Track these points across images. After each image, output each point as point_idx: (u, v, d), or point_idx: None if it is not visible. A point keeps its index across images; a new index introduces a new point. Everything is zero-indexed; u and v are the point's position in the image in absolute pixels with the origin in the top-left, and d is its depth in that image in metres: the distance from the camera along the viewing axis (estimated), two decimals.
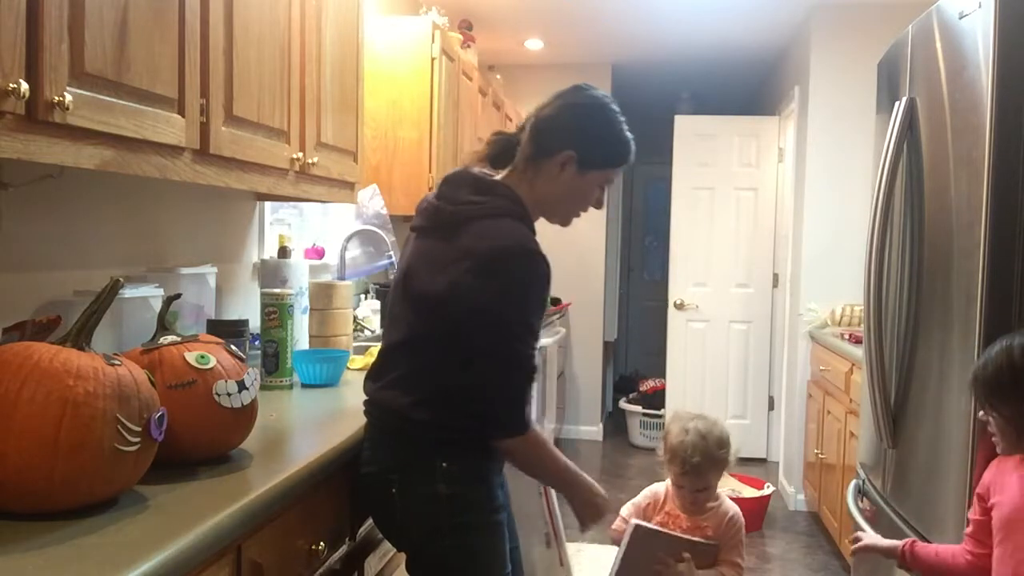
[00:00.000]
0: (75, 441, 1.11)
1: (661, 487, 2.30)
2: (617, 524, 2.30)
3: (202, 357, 1.39)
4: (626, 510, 2.33)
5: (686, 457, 2.13)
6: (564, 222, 1.77)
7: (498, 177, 1.69)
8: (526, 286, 1.55)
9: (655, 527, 2.13)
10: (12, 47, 1.13)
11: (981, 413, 1.62)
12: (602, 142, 1.67)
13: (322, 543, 1.51)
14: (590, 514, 1.75)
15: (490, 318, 1.54)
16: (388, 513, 1.64)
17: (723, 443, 2.18)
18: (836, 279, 4.31)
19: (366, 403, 1.69)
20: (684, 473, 2.15)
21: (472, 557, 1.59)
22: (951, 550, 1.67)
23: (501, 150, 1.72)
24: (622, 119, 1.70)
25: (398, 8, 3.82)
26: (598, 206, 1.75)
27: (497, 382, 1.57)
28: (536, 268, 1.55)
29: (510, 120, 4.86)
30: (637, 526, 2.12)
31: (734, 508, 2.23)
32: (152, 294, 1.86)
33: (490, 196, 1.61)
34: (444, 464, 1.57)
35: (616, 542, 2.21)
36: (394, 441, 1.62)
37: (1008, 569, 1.49)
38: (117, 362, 1.21)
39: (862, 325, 2.39)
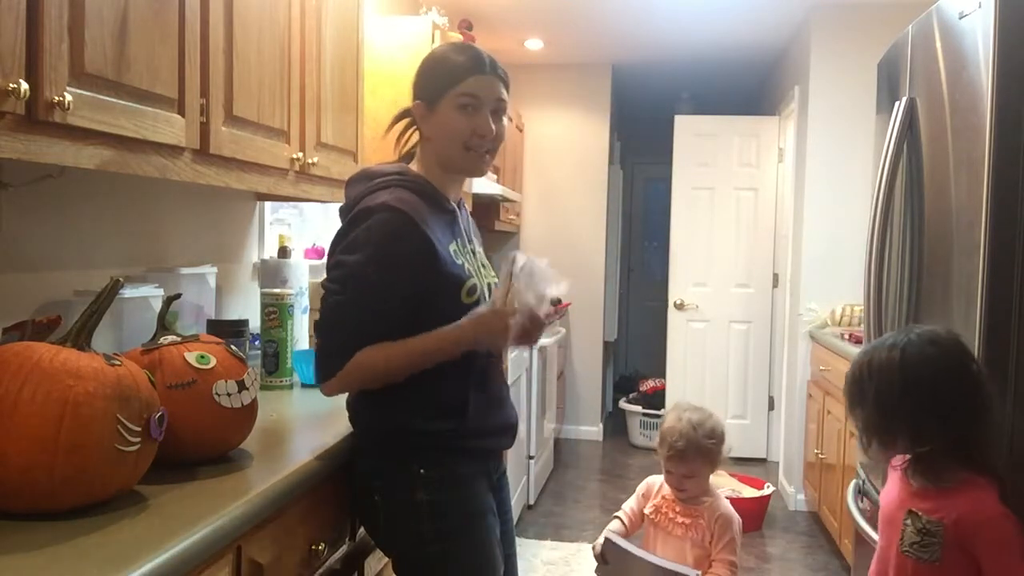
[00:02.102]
0: (75, 441, 1.11)
1: (658, 478, 2.36)
2: (615, 526, 2.31)
3: (202, 357, 1.39)
4: (627, 505, 2.36)
5: (672, 441, 2.20)
6: (466, 167, 1.66)
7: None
8: (374, 235, 1.49)
9: (621, 542, 2.13)
10: (12, 47, 1.13)
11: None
12: (428, 71, 1.65)
13: (322, 543, 1.51)
14: (493, 339, 1.55)
15: (330, 263, 1.54)
16: (373, 519, 1.64)
17: (713, 434, 2.22)
18: (836, 279, 4.31)
19: (348, 410, 1.69)
20: (669, 457, 2.22)
21: (457, 564, 1.57)
22: None
23: (407, 150, 1.75)
24: (446, 47, 1.68)
25: (398, 8, 3.82)
26: (484, 131, 1.60)
27: (321, 316, 1.53)
28: (386, 219, 1.49)
29: (509, 120, 4.86)
30: (607, 540, 2.14)
31: (729, 508, 2.26)
32: (152, 294, 1.87)
33: (378, 179, 1.60)
34: (422, 470, 1.55)
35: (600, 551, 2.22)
36: (372, 448, 1.61)
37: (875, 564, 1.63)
38: (117, 362, 1.21)
39: (862, 325, 2.39)
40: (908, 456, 1.61)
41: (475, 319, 1.54)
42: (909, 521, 1.56)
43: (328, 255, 1.57)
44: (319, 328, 1.54)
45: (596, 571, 2.22)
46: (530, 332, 1.54)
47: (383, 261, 1.49)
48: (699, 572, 2.04)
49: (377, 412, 1.56)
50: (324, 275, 1.59)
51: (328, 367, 1.51)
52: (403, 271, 1.50)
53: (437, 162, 1.66)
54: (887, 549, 1.63)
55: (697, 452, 2.19)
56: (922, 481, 1.57)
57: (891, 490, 1.65)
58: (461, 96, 1.60)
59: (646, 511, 2.31)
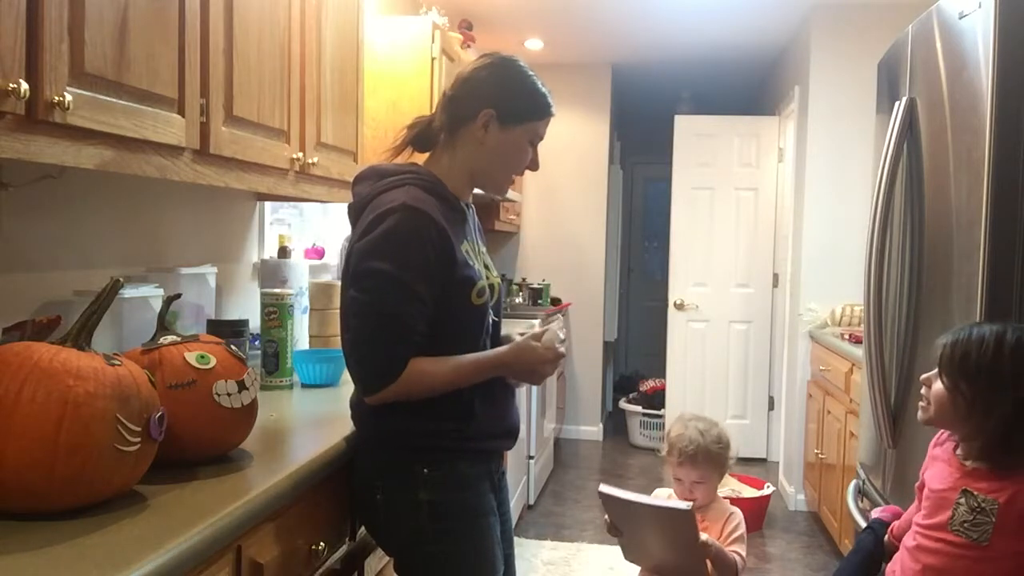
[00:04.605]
0: (75, 441, 1.11)
1: (665, 490, 2.37)
2: None
3: (202, 357, 1.39)
4: None
5: (682, 448, 2.23)
6: (499, 188, 1.72)
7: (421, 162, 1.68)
8: (397, 237, 1.49)
9: (615, 492, 2.12)
10: (12, 47, 1.13)
11: (926, 376, 1.62)
12: (519, 94, 1.64)
13: (322, 543, 1.51)
14: (529, 373, 1.65)
15: (355, 270, 1.52)
16: (374, 519, 1.64)
17: (720, 440, 2.26)
18: (836, 279, 4.31)
19: (351, 408, 1.68)
20: (680, 464, 2.24)
21: (457, 563, 1.57)
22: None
23: (420, 132, 1.69)
24: (533, 73, 1.67)
25: (398, 8, 3.82)
26: (534, 167, 1.70)
27: (351, 327, 1.53)
28: (408, 221, 1.49)
29: None
30: (599, 492, 2.13)
31: (736, 509, 2.28)
32: (152, 294, 1.87)
33: (390, 178, 1.59)
34: (425, 470, 1.56)
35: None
36: (376, 447, 1.61)
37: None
38: (117, 362, 1.21)
39: (862, 325, 2.39)
40: (961, 436, 1.58)
41: (523, 349, 1.61)
42: (963, 500, 1.53)
43: (349, 259, 1.55)
44: (361, 340, 1.52)
45: (609, 532, 2.20)
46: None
47: (412, 264, 1.49)
48: (690, 504, 2.04)
49: (383, 412, 1.56)
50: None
51: (382, 377, 1.51)
52: (431, 271, 1.51)
53: (468, 169, 1.66)
54: (932, 528, 1.58)
55: (707, 457, 2.22)
56: (982, 463, 1.53)
57: (940, 472, 1.60)
58: (535, 133, 1.66)
59: None
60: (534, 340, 1.63)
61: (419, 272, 1.50)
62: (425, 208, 1.51)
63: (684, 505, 2.01)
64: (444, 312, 1.55)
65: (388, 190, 1.56)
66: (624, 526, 2.12)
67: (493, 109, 1.61)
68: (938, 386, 1.58)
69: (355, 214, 1.60)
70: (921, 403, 1.63)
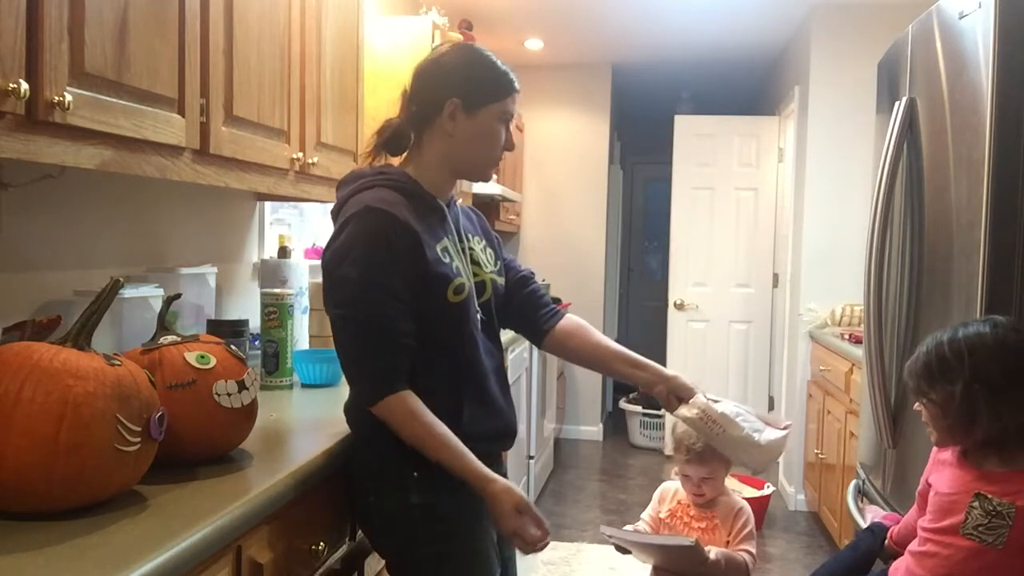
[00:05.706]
0: (75, 441, 1.11)
1: (672, 483, 2.35)
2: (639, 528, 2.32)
3: (202, 357, 1.39)
4: (646, 513, 2.37)
5: (690, 444, 2.19)
6: (482, 175, 1.69)
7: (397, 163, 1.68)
8: (359, 241, 1.48)
9: (618, 533, 2.13)
10: (12, 47, 1.13)
11: (916, 405, 1.65)
12: (481, 76, 1.60)
13: (322, 543, 1.51)
14: (499, 514, 1.52)
15: (328, 283, 1.53)
16: (368, 521, 1.63)
17: None
18: (836, 279, 4.31)
19: (345, 412, 1.68)
20: (688, 460, 2.21)
21: (451, 567, 1.56)
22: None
23: (392, 135, 1.67)
24: (490, 54, 1.65)
25: (398, 8, 3.82)
26: (509, 147, 1.67)
27: (340, 343, 1.53)
28: (369, 223, 1.49)
29: None
30: (603, 533, 2.14)
31: (744, 503, 2.26)
32: (152, 294, 1.87)
33: (362, 180, 1.59)
34: (415, 473, 1.54)
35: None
36: (368, 450, 1.60)
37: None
38: (117, 362, 1.21)
39: (862, 325, 2.39)
40: (972, 440, 1.58)
41: (510, 494, 1.52)
42: (977, 503, 1.53)
43: (322, 266, 1.56)
44: (356, 352, 1.52)
45: (618, 552, 2.20)
46: (529, 536, 1.52)
47: (378, 264, 1.48)
48: (694, 539, 2.03)
49: (373, 415, 1.56)
50: (323, 276, 1.57)
51: (383, 386, 1.50)
52: (400, 268, 1.50)
53: (446, 162, 1.63)
54: (940, 532, 1.58)
55: (714, 452, 2.17)
56: (994, 464, 1.54)
57: (949, 476, 1.61)
58: (504, 112, 1.62)
59: (661, 515, 2.30)
60: (517, 515, 1.51)
61: (387, 271, 1.49)
62: (386, 207, 1.50)
63: (688, 541, 1.99)
64: (423, 310, 1.54)
65: (357, 193, 1.56)
66: (632, 551, 2.12)
67: (458, 97, 1.58)
68: (921, 408, 1.63)
69: (334, 219, 1.61)
70: (928, 431, 1.64)
